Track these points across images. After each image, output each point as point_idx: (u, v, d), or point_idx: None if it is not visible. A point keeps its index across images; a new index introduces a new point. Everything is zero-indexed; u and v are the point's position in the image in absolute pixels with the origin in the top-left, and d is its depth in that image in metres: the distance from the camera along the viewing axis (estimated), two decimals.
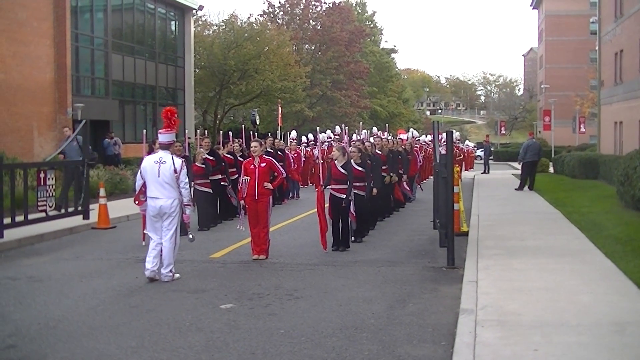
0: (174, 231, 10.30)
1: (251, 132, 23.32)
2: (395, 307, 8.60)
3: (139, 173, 10.61)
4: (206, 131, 19.65)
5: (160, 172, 10.19)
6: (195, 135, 19.11)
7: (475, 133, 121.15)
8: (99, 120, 32.61)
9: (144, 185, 10.42)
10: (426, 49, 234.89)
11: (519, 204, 20.66)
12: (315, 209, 13.26)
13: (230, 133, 19.77)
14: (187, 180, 10.43)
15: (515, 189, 25.54)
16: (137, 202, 10.89)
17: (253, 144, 12.27)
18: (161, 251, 10.24)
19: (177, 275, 10.33)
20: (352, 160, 13.26)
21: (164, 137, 10.46)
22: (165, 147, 10.45)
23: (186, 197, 10.36)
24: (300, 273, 10.84)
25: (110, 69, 35.44)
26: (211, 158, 16.12)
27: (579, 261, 10.85)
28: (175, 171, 10.17)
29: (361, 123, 28.86)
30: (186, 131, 24.32)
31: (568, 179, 30.76)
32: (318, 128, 19.59)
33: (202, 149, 16.30)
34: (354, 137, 21.77)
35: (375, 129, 31.79)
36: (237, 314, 8.31)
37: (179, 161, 10.34)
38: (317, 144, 18.52)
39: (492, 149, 53.95)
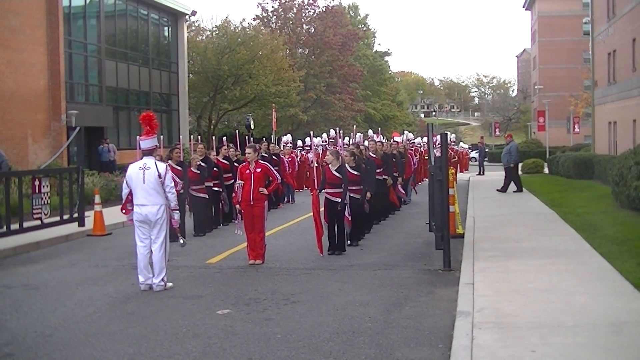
0: (163, 239, 10.18)
1: (246, 137, 23.32)
2: (392, 310, 8.60)
3: (124, 181, 10.45)
4: (200, 137, 19.67)
5: (145, 178, 10.07)
6: (190, 140, 19.09)
7: (469, 135, 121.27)
8: (94, 126, 32.58)
9: (131, 193, 10.29)
10: (419, 51, 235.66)
11: (514, 205, 20.67)
12: (311, 213, 13.26)
13: (225, 138, 19.74)
14: (172, 184, 10.28)
15: (514, 191, 25.47)
16: (124, 211, 10.70)
17: (247, 150, 12.22)
18: (151, 260, 10.17)
19: (169, 284, 10.21)
20: (346, 164, 13.26)
21: (145, 143, 10.31)
22: (148, 153, 10.30)
23: (173, 202, 10.22)
24: (296, 277, 10.83)
25: (103, 75, 35.39)
26: (203, 165, 16.11)
27: (575, 262, 10.85)
28: (159, 176, 10.08)
29: (354, 126, 28.81)
30: (180, 137, 24.30)
31: (563, 180, 30.79)
32: (312, 132, 19.61)
33: (196, 155, 16.26)
34: (346, 140, 21.74)
35: (370, 132, 31.81)
36: (234, 320, 8.30)
37: (162, 166, 10.24)
38: (312, 147, 18.44)
39: (486, 150, 54.00)
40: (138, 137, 10.67)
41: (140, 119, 10.39)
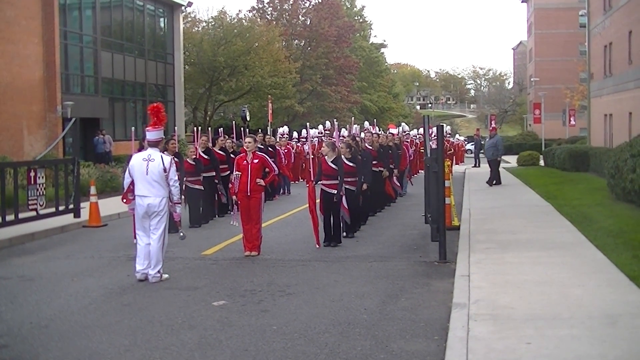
0: (162, 231, 10.15)
1: (242, 129, 23.28)
2: (388, 302, 8.61)
3: (127, 171, 10.42)
4: (197, 128, 19.57)
5: (149, 170, 10.03)
6: (186, 132, 19.08)
7: (465, 127, 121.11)
8: (89, 118, 32.48)
9: (132, 183, 10.25)
10: (416, 43, 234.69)
11: (510, 197, 20.69)
12: (307, 205, 13.25)
13: (221, 129, 19.71)
14: (176, 178, 10.28)
15: (488, 183, 25.48)
16: (125, 201, 10.66)
17: (247, 139, 12.21)
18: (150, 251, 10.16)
19: (165, 275, 10.20)
20: (342, 156, 13.26)
21: (152, 134, 10.25)
22: (154, 144, 10.24)
23: (176, 195, 10.20)
24: (292, 269, 10.83)
25: (99, 66, 35.28)
26: (206, 157, 16.08)
27: (571, 254, 10.87)
28: (164, 169, 10.04)
29: (352, 118, 28.82)
30: (175, 128, 24.26)
31: (558, 172, 30.81)
32: (308, 124, 19.61)
33: (197, 146, 16.23)
34: (342, 131, 21.70)
35: (366, 124, 31.79)
36: (230, 311, 8.30)
37: (167, 159, 10.20)
38: (307, 139, 18.42)
39: (482, 142, 53.96)
40: (145, 127, 10.60)
41: (149, 109, 10.37)
